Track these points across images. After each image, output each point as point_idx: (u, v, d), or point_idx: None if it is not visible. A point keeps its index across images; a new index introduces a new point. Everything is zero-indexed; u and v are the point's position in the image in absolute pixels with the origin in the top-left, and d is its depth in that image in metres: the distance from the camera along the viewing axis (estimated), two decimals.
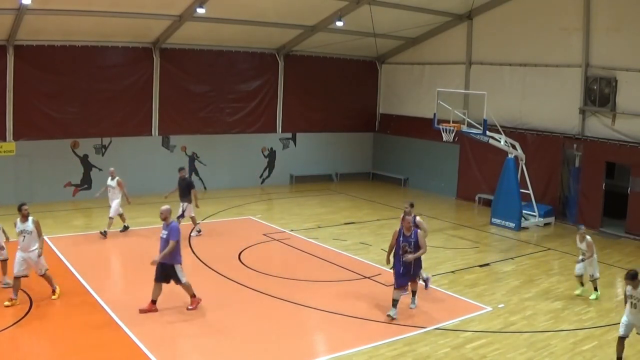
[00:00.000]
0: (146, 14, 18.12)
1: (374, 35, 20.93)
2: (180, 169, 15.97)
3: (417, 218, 11.85)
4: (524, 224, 18.18)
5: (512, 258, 15.18)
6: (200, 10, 17.49)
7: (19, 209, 10.68)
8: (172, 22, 19.11)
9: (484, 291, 12.45)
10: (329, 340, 10.16)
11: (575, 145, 18.90)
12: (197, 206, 15.72)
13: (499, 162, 18.77)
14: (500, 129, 18.27)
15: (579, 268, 12.26)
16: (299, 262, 14.25)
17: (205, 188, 22.48)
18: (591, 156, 18.46)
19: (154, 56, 20.80)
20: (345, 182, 25.42)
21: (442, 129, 17.92)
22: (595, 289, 12.17)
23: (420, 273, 11.38)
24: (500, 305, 11.57)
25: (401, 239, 10.69)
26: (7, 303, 10.44)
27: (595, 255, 12.14)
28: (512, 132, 19.80)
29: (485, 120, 17.12)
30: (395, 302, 10.66)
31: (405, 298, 11.15)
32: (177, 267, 10.55)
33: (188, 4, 17.85)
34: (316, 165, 25.18)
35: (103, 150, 20.34)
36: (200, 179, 22.41)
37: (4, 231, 11.60)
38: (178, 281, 10.60)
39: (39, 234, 10.74)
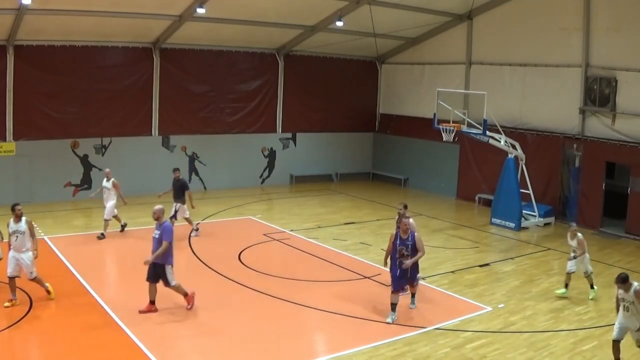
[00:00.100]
0: (146, 14, 18.12)
1: (374, 35, 20.93)
2: (175, 170, 15.91)
3: (410, 220, 11.66)
4: (524, 224, 18.18)
5: (512, 258, 15.19)
6: (200, 10, 17.49)
7: (12, 209, 10.68)
8: (172, 22, 19.11)
9: (484, 291, 12.45)
10: (329, 340, 10.16)
11: (575, 145, 18.90)
12: (192, 207, 15.68)
13: (499, 162, 18.77)
14: (500, 129, 18.27)
15: (570, 265, 12.16)
16: (299, 262, 14.25)
17: (205, 188, 22.48)
18: (591, 156, 18.45)
19: (154, 56, 20.80)
20: (345, 182, 25.42)
21: (442, 129, 17.92)
22: (592, 287, 12.14)
23: (417, 277, 11.22)
24: (500, 305, 11.57)
25: (398, 242, 10.51)
26: (7, 304, 10.45)
27: (587, 254, 12.09)
28: (512, 132, 19.80)
29: (485, 120, 17.12)
30: (393, 306, 10.59)
31: (404, 298, 11.14)
32: (168, 268, 10.51)
33: (188, 4, 17.85)
34: (316, 165, 25.18)
35: (103, 150, 20.34)
36: (200, 179, 22.42)
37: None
38: (167, 283, 10.52)
39: (32, 235, 10.72)
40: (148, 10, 17.88)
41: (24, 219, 10.64)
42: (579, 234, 12.09)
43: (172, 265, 10.59)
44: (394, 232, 10.76)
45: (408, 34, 23.26)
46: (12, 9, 16.01)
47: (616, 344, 8.78)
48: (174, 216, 15.27)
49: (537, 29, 19.60)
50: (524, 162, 18.55)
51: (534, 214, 18.61)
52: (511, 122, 20.44)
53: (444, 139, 18.07)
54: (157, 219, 10.63)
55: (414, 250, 10.49)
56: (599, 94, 18.14)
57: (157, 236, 10.50)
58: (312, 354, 9.54)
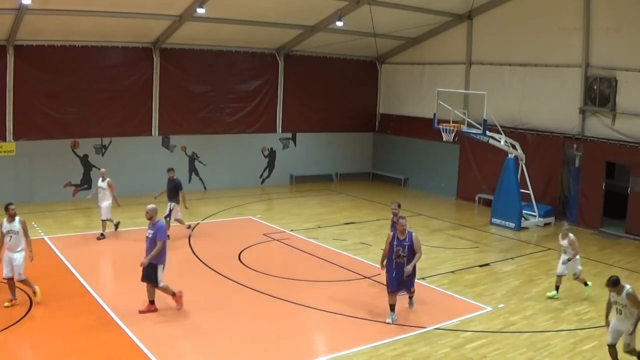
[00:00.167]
0: (146, 14, 18.12)
1: (374, 35, 20.93)
2: (169, 170, 15.90)
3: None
4: (524, 224, 18.17)
5: (512, 258, 15.18)
6: (200, 10, 17.49)
7: (6, 208, 10.61)
8: (172, 22, 19.11)
9: (484, 291, 12.45)
10: (329, 340, 10.16)
11: (575, 145, 18.89)
12: (185, 207, 15.69)
13: (499, 162, 18.77)
14: (500, 129, 18.27)
15: (561, 268, 12.03)
16: (299, 262, 14.24)
17: (205, 188, 22.48)
18: (591, 156, 18.45)
19: (154, 56, 20.80)
20: (345, 182, 25.41)
21: (442, 129, 17.92)
22: (586, 284, 12.09)
23: (414, 281, 11.05)
24: (500, 305, 11.57)
25: (395, 243, 10.41)
26: (7, 304, 10.45)
27: (577, 256, 11.96)
28: (512, 132, 19.80)
29: (485, 120, 17.12)
30: (392, 307, 10.56)
31: (404, 299, 11.11)
32: (159, 268, 10.48)
33: (188, 4, 17.85)
34: (316, 165, 25.18)
35: (103, 150, 20.34)
36: (200, 179, 22.42)
37: None
38: (156, 284, 10.45)
39: (26, 235, 10.67)
40: (148, 10, 17.88)
41: (17, 218, 10.59)
42: (571, 235, 12.04)
43: (163, 265, 10.57)
44: (391, 233, 10.65)
45: (408, 34, 23.26)
46: (12, 9, 16.01)
47: (612, 348, 8.72)
48: (169, 215, 15.28)
49: (537, 29, 19.60)
50: (524, 162, 18.55)
51: (534, 214, 18.61)
52: (511, 122, 20.43)
53: (444, 139, 18.06)
54: (150, 218, 10.66)
55: (411, 251, 10.38)
56: (599, 94, 18.13)
57: (150, 236, 10.53)
58: (312, 354, 9.54)
